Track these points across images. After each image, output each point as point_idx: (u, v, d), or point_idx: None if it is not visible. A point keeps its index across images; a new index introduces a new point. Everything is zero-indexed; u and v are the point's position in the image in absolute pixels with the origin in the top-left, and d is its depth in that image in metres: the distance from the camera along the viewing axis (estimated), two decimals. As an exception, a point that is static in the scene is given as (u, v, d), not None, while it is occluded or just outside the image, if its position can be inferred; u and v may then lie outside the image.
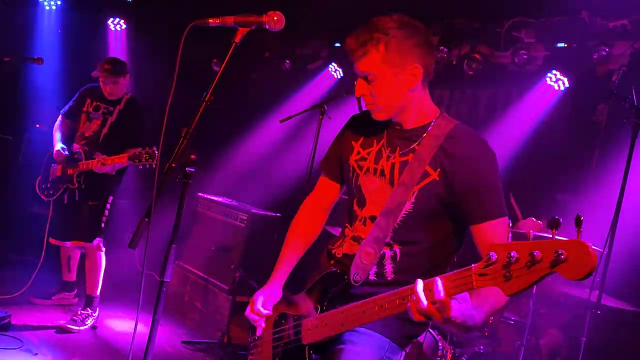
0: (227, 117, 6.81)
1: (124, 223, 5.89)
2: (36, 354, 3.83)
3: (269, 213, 5.43)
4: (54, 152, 4.53)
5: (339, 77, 6.29)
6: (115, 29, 6.99)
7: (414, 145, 1.96)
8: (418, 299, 1.57)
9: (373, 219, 1.99)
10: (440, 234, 1.96)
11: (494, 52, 5.05)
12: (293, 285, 2.24)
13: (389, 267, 1.97)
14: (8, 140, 5.99)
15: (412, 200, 1.92)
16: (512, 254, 1.41)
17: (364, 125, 2.13)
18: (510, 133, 4.79)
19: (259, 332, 2.22)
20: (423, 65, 1.91)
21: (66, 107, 4.76)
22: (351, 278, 1.97)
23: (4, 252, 5.61)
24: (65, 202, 4.54)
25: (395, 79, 1.91)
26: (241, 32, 1.96)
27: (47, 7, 6.69)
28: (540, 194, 4.52)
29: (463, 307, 1.57)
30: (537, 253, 1.37)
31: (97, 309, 4.60)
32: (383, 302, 1.75)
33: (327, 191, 2.29)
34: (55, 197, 4.56)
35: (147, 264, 1.98)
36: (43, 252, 4.57)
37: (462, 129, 1.95)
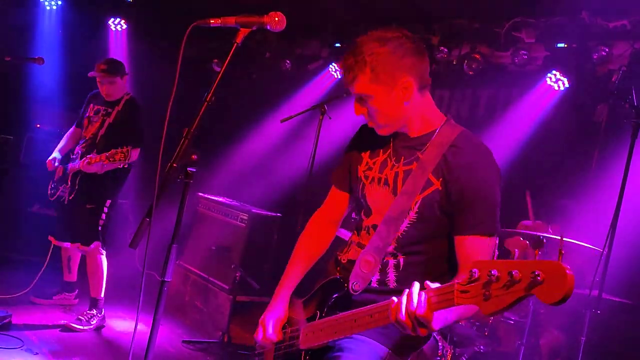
0: (228, 117, 6.82)
1: (124, 223, 5.91)
2: (37, 353, 3.83)
3: (269, 213, 5.44)
4: (47, 160, 4.59)
5: (339, 77, 6.29)
6: (116, 29, 6.99)
7: (418, 154, 1.94)
8: (398, 309, 1.58)
9: (375, 227, 1.98)
10: (444, 245, 1.93)
11: (494, 52, 5.05)
12: (300, 289, 2.24)
13: (391, 276, 1.96)
14: (9, 140, 5.99)
15: (416, 209, 1.90)
16: (492, 272, 1.36)
17: (372, 135, 2.09)
18: (510, 133, 4.79)
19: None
20: (414, 76, 1.89)
21: (78, 118, 4.82)
22: (350, 287, 1.97)
23: (4, 251, 5.61)
24: (65, 202, 4.55)
25: (389, 96, 1.89)
26: (242, 33, 1.96)
27: (48, 7, 6.69)
28: (540, 194, 4.52)
29: (440, 317, 1.57)
30: (515, 273, 1.31)
31: (103, 310, 4.61)
32: (373, 312, 1.74)
33: (336, 202, 2.26)
34: (55, 196, 4.58)
35: (147, 263, 1.98)
36: (49, 253, 4.59)
37: (466, 138, 1.91)
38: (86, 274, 4.70)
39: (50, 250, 4.60)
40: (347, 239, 2.20)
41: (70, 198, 4.51)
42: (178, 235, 1.94)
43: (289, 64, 6.65)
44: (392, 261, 1.96)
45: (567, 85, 4.67)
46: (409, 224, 1.91)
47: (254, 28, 1.97)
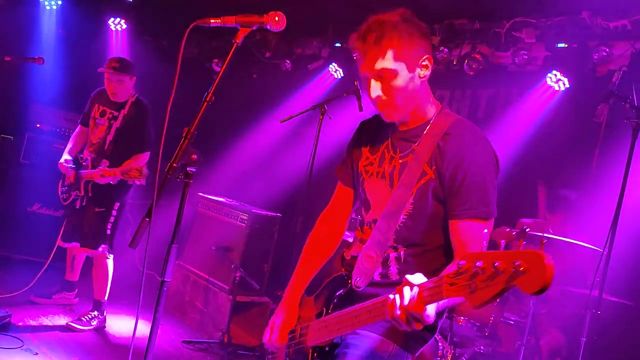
0: (228, 117, 6.82)
1: (125, 223, 5.89)
2: (36, 353, 3.83)
3: (270, 213, 5.44)
4: (58, 163, 4.56)
5: (339, 77, 6.29)
6: (116, 29, 6.99)
7: (414, 146, 1.95)
8: (393, 306, 1.59)
9: (376, 222, 1.99)
10: (443, 236, 1.93)
11: (494, 52, 5.04)
12: (312, 286, 2.24)
13: (393, 268, 1.97)
14: (9, 140, 5.99)
15: (411, 201, 1.91)
16: (477, 264, 1.34)
17: (372, 130, 2.13)
18: (510, 133, 4.78)
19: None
20: (430, 56, 1.92)
21: (82, 116, 4.80)
22: (353, 283, 1.97)
23: (4, 251, 5.61)
24: (77, 207, 4.55)
25: (410, 74, 1.89)
26: (242, 32, 1.96)
27: (48, 7, 6.68)
28: (541, 194, 4.52)
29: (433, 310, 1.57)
30: (497, 264, 1.30)
31: (105, 312, 4.61)
32: (371, 308, 1.75)
33: (343, 198, 2.27)
34: (68, 202, 4.59)
35: (147, 263, 1.98)
36: (52, 254, 4.59)
37: (460, 125, 1.93)
38: (88, 274, 4.71)
39: (53, 252, 4.60)
40: (350, 241, 2.21)
41: (84, 204, 4.53)
42: (178, 235, 1.94)
43: (289, 64, 6.65)
44: (393, 254, 1.97)
45: (567, 85, 4.67)
46: (406, 215, 1.93)
47: (254, 28, 1.98)
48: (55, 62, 6.47)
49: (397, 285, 1.77)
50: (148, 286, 1.99)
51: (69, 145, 4.71)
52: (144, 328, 3.90)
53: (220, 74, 1.93)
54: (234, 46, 1.96)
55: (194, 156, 1.91)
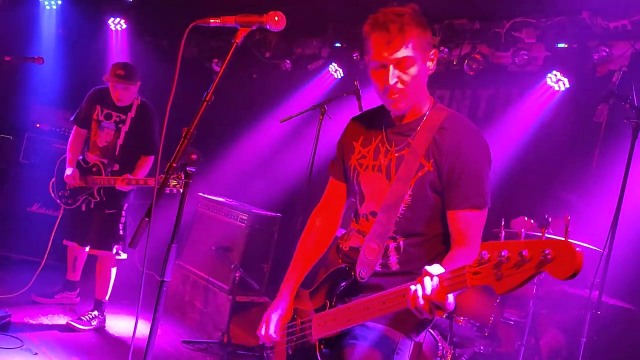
0: (228, 117, 6.81)
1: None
2: (36, 353, 3.83)
3: (269, 213, 5.43)
4: (65, 177, 4.53)
5: (339, 77, 6.28)
6: (116, 29, 6.98)
7: (409, 139, 2.01)
8: (416, 297, 1.65)
9: (374, 214, 2.04)
10: (441, 225, 2.00)
11: (494, 53, 5.04)
12: (304, 280, 2.26)
13: (393, 259, 2.01)
14: (8, 140, 5.99)
15: (409, 192, 1.97)
16: (502, 253, 1.44)
17: (363, 125, 2.20)
18: (510, 133, 4.78)
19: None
20: (437, 50, 2.00)
21: (76, 115, 4.67)
22: (357, 275, 2.01)
23: (4, 251, 5.61)
24: (83, 209, 4.54)
25: (424, 64, 1.97)
26: (242, 32, 1.97)
27: (48, 7, 6.68)
28: (541, 194, 4.51)
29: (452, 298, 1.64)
30: (525, 252, 1.40)
31: (105, 312, 4.61)
32: (385, 298, 1.80)
33: (336, 192, 2.31)
34: (74, 206, 4.57)
35: (147, 263, 1.98)
36: (46, 253, 4.58)
37: (454, 119, 2.01)
38: (89, 273, 4.70)
39: (47, 251, 4.59)
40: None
41: (92, 206, 4.52)
42: (177, 235, 1.94)
43: (289, 64, 6.65)
44: (392, 244, 2.02)
45: (567, 85, 4.66)
46: (404, 207, 1.98)
47: (254, 27, 1.98)
48: (55, 62, 6.47)
49: (397, 274, 1.90)
50: (148, 286, 1.99)
51: (70, 155, 4.61)
52: (143, 328, 3.90)
53: (220, 73, 1.93)
54: (234, 46, 1.96)
55: (194, 156, 1.92)
